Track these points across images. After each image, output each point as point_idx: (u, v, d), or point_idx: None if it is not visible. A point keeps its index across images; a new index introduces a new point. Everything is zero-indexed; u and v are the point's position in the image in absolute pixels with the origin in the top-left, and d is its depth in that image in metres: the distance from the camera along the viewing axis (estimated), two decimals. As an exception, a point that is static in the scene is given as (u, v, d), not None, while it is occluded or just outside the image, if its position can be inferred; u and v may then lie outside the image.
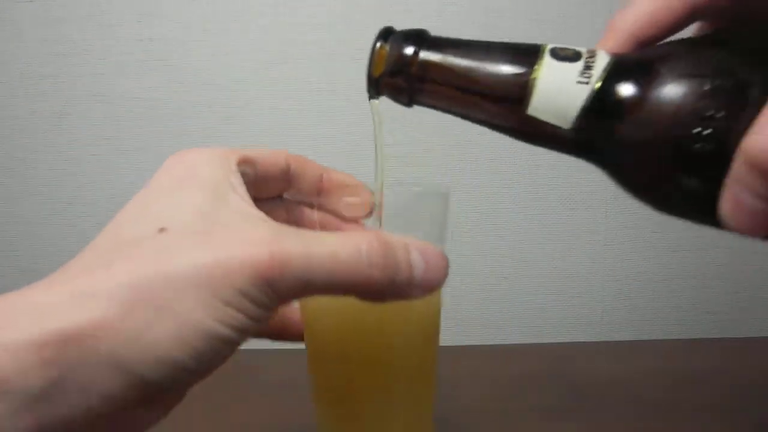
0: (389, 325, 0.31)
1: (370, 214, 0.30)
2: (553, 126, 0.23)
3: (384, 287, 0.22)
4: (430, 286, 0.24)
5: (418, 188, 0.32)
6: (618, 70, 0.22)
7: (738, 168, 0.18)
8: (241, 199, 0.23)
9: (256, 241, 0.20)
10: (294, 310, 0.33)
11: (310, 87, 0.67)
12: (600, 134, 0.23)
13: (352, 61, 0.66)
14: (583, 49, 0.23)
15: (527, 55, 0.24)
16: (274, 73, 0.67)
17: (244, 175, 0.25)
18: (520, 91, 0.24)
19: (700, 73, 0.19)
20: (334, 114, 0.67)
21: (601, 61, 0.22)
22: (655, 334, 0.70)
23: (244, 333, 0.21)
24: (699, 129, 0.19)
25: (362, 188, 0.31)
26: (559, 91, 0.22)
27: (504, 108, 0.26)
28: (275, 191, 0.28)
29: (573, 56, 0.22)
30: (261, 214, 0.22)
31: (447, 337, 0.70)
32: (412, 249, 0.23)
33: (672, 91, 0.20)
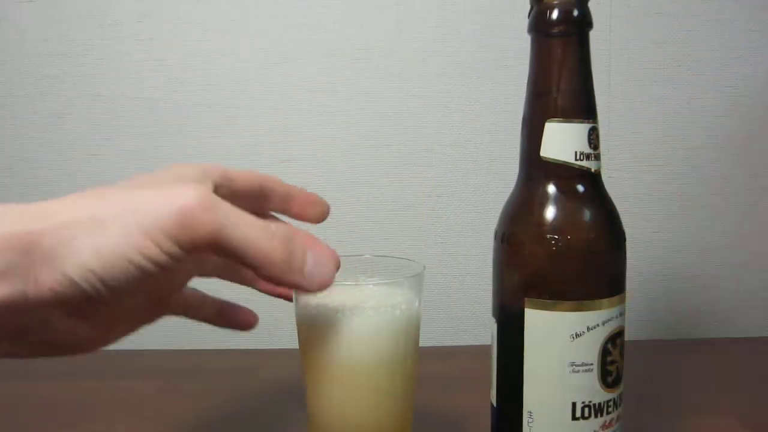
0: (375, 333, 0.34)
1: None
2: None
3: (278, 265, 0.26)
4: (319, 281, 0.27)
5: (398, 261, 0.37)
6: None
7: None
8: (198, 183, 0.26)
9: (193, 193, 0.24)
10: (233, 306, 0.38)
11: (310, 87, 0.67)
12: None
13: (352, 61, 0.66)
14: None
15: None
16: (274, 73, 0.67)
17: (222, 187, 0.29)
18: None
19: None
20: (334, 114, 0.67)
21: None
22: (655, 334, 0.70)
23: (153, 263, 0.23)
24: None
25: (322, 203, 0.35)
26: None
27: None
28: (247, 208, 0.31)
29: None
30: (210, 188, 0.27)
31: (446, 337, 0.70)
32: (310, 246, 0.27)
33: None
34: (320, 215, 0.35)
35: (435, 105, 0.67)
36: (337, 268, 0.29)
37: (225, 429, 0.48)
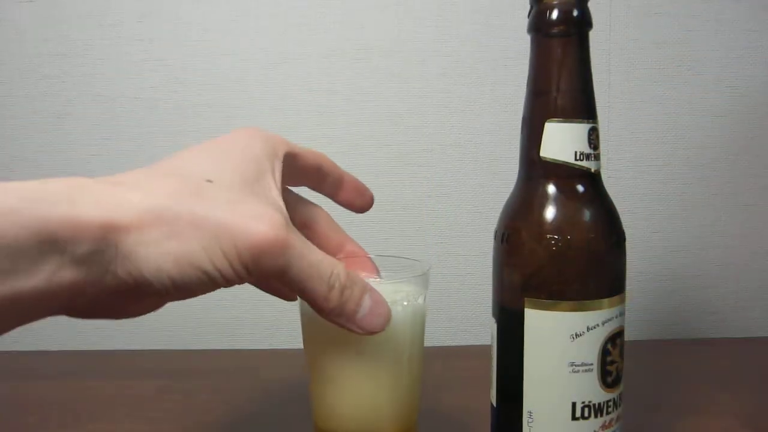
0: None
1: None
2: None
3: (330, 310, 0.28)
4: (365, 327, 0.29)
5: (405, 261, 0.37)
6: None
7: None
8: (275, 184, 0.28)
9: (270, 224, 0.25)
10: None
11: (310, 87, 0.67)
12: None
13: (352, 61, 0.66)
14: None
15: None
16: (273, 73, 0.67)
17: (286, 165, 0.30)
18: None
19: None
20: (334, 114, 0.67)
21: None
22: (655, 334, 0.70)
23: (224, 279, 0.25)
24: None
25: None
26: None
27: None
28: (304, 184, 0.35)
29: None
30: (283, 205, 0.28)
31: (445, 337, 0.70)
32: (367, 294, 0.29)
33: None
34: (364, 206, 0.36)
35: (435, 105, 0.67)
36: (388, 321, 0.30)
37: (225, 429, 0.48)
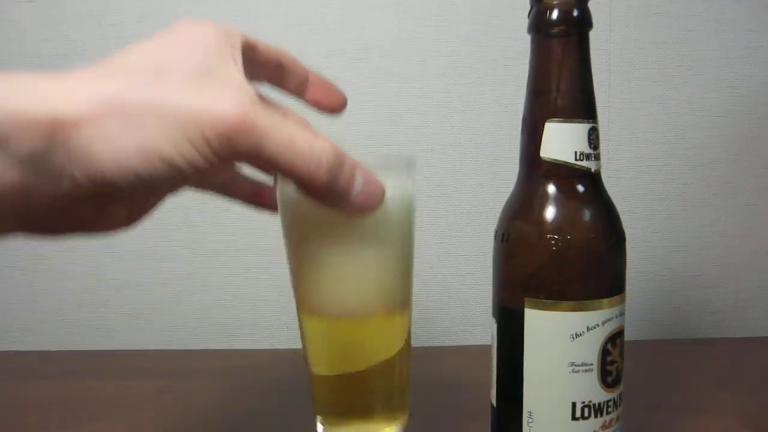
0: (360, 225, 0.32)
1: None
2: None
3: (322, 188, 0.26)
4: (359, 206, 0.27)
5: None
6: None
7: None
8: (236, 68, 0.26)
9: (235, 103, 0.23)
10: (266, 187, 0.36)
11: (310, 87, 0.67)
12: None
13: (352, 61, 0.66)
14: None
15: None
16: (274, 73, 0.67)
17: (243, 56, 0.28)
18: None
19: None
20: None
21: None
22: (655, 334, 0.70)
23: (195, 169, 0.23)
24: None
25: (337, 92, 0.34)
26: None
27: None
28: (264, 79, 0.32)
29: None
30: (248, 85, 0.25)
31: (445, 337, 0.70)
32: (359, 170, 0.27)
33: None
34: (336, 105, 0.34)
35: (435, 105, 0.67)
36: (383, 199, 0.28)
37: (225, 429, 0.48)
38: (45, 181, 0.22)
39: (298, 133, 0.25)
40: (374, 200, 0.28)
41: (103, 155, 0.22)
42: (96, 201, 0.24)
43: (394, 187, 0.31)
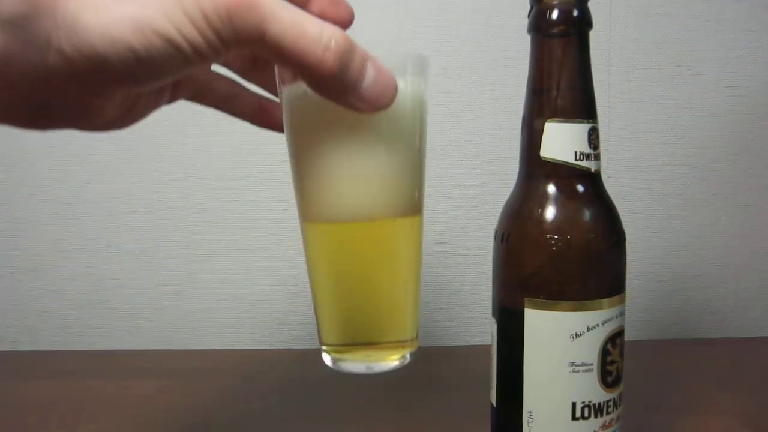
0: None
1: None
2: None
3: (330, 77, 0.24)
4: (372, 100, 0.25)
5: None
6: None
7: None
8: None
9: None
10: (275, 103, 0.34)
11: (310, 87, 0.67)
12: None
13: (352, 61, 0.66)
14: None
15: None
16: (274, 73, 0.67)
17: None
18: None
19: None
20: (334, 114, 0.67)
21: None
22: (655, 334, 0.70)
23: (194, 51, 0.22)
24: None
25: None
26: None
27: None
28: None
29: None
30: None
31: (445, 337, 0.70)
32: (370, 61, 0.25)
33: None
34: (343, 17, 0.30)
35: (435, 105, 0.67)
36: (395, 94, 0.26)
37: (225, 429, 0.48)
38: (31, 50, 0.20)
39: (305, 15, 0.23)
40: (386, 94, 0.26)
41: (92, 25, 0.20)
42: (88, 83, 0.22)
43: (407, 84, 0.29)
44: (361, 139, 0.29)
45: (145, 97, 0.28)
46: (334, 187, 0.30)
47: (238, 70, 0.34)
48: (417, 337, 0.35)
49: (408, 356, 0.33)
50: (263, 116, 0.33)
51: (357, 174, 0.30)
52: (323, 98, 0.26)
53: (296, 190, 0.32)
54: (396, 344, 0.33)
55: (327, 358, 0.33)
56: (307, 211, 0.32)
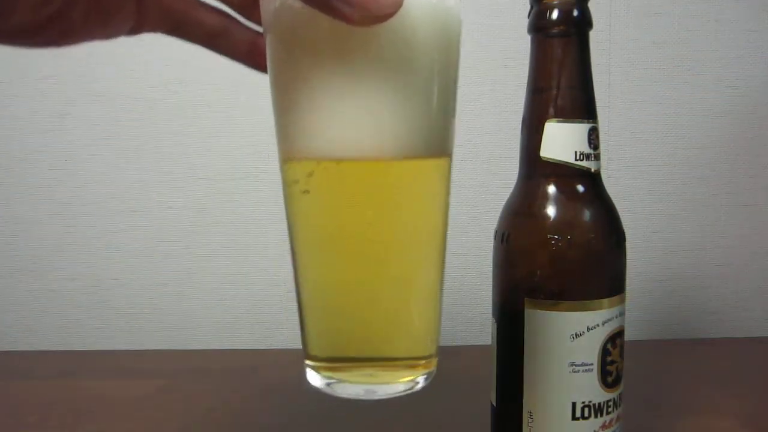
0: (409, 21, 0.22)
1: None
2: None
3: None
4: (371, 9, 0.20)
5: None
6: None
7: None
8: None
9: None
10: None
11: (310, 87, 0.67)
12: None
13: (352, 61, 0.66)
14: None
15: None
16: (274, 73, 0.67)
17: None
18: None
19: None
20: (334, 114, 0.67)
21: None
22: (655, 334, 0.70)
23: None
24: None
25: None
26: None
27: None
28: None
29: None
30: None
31: (445, 337, 0.70)
32: None
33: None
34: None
35: (435, 105, 0.67)
36: (401, 2, 0.21)
37: (225, 429, 0.48)
38: None
39: None
40: (388, 2, 0.21)
41: None
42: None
43: None
44: (357, 60, 0.22)
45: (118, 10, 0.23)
46: (326, 107, 0.23)
47: (237, 4, 0.28)
48: (437, 352, 0.26)
49: (421, 380, 0.25)
50: (259, 56, 0.27)
51: (359, 93, 0.23)
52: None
53: (276, 123, 0.25)
54: (409, 362, 0.26)
55: (315, 378, 0.25)
56: (290, 146, 0.24)
